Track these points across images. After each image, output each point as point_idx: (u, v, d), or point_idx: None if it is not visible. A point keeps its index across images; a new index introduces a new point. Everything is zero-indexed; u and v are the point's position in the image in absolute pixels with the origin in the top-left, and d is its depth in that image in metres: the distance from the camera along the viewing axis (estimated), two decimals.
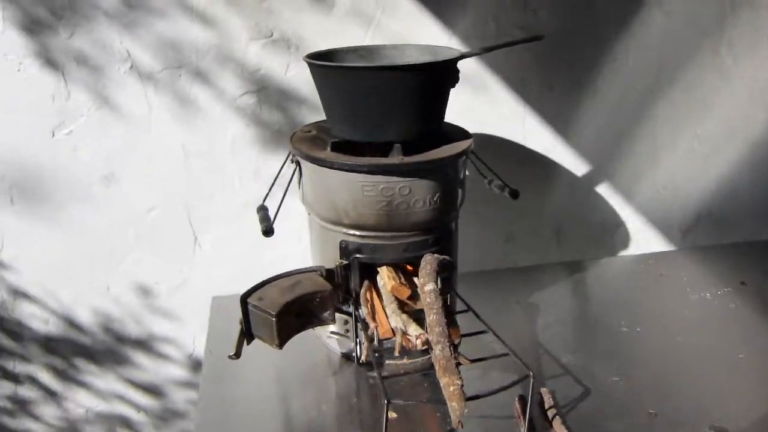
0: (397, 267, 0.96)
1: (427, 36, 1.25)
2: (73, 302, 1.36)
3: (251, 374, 1.00)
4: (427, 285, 0.83)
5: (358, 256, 0.94)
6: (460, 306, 0.99)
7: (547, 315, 1.21)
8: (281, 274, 0.93)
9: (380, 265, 0.95)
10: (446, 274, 0.92)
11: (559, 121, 1.40)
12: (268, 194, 1.02)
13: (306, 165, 0.95)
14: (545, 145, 1.41)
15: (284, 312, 0.84)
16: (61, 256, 1.31)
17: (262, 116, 1.27)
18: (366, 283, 0.95)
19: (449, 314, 0.87)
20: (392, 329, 0.85)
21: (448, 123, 1.06)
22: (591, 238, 1.52)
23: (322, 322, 0.92)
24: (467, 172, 1.01)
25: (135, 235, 1.31)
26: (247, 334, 0.86)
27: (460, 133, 1.02)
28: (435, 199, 0.91)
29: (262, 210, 0.94)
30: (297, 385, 0.99)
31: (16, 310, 1.34)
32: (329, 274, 0.94)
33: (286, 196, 0.98)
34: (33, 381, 1.42)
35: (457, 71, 0.95)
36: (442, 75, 0.92)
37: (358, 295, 0.94)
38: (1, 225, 1.27)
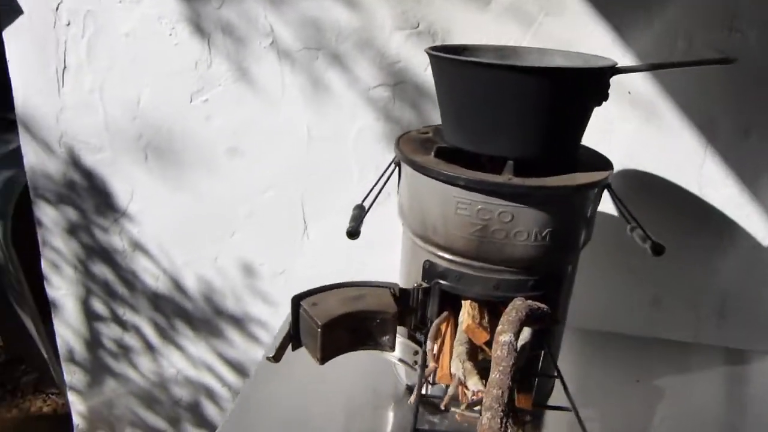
0: (486, 305, 0.80)
1: (595, 47, 1.06)
2: (183, 265, 1.38)
3: (301, 379, 0.91)
4: (503, 335, 0.66)
5: (440, 281, 0.80)
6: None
7: (671, 404, 0.96)
8: (351, 282, 0.82)
9: (466, 299, 0.80)
10: (539, 327, 0.75)
11: (749, 173, 1.12)
12: (369, 194, 0.92)
13: (404, 168, 0.83)
14: (724, 200, 1.14)
15: (333, 325, 0.73)
16: (179, 219, 1.34)
17: (394, 111, 1.17)
18: (445, 314, 0.81)
19: (526, 377, 0.69)
20: (450, 374, 0.70)
21: (588, 148, 0.88)
22: (763, 326, 1.21)
23: (380, 347, 0.79)
24: (593, 210, 0.82)
25: (248, 212, 1.30)
26: (294, 339, 0.76)
27: (598, 162, 0.83)
28: (544, 234, 0.74)
29: (358, 209, 0.84)
30: (345, 403, 0.88)
31: (133, 261, 1.40)
32: (403, 295, 0.81)
33: (388, 200, 0.88)
34: (137, 331, 1.47)
35: (607, 86, 0.76)
36: (583, 86, 0.74)
37: (431, 325, 0.80)
38: (134, 179, 1.32)
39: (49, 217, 1.42)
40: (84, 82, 1.26)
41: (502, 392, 0.60)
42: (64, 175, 1.36)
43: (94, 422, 1.64)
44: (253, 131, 1.23)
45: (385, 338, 0.78)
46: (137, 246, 1.39)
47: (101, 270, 1.44)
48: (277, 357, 0.76)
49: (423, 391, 0.80)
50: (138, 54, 1.21)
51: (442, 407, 0.69)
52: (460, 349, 0.73)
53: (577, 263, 0.85)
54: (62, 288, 1.49)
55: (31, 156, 1.36)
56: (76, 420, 1.65)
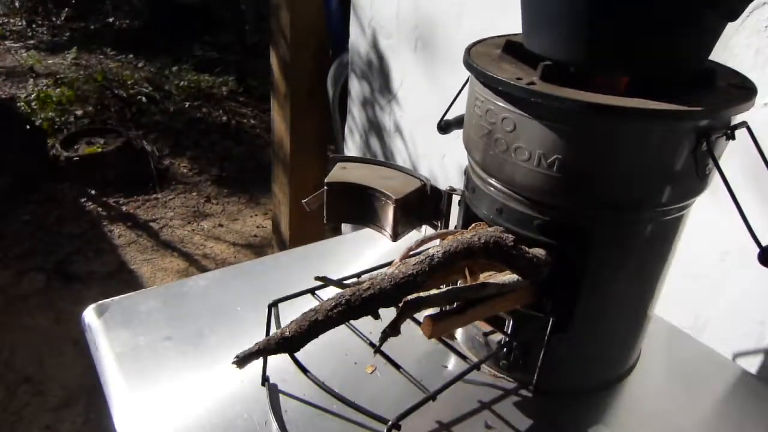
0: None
1: None
2: (421, 156, 1.48)
3: None
4: (436, 248, 0.57)
5: (461, 190, 0.70)
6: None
7: None
8: (395, 165, 0.79)
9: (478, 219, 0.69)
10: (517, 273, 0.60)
11: None
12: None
13: None
14: None
15: (340, 189, 0.74)
16: (427, 113, 1.43)
17: None
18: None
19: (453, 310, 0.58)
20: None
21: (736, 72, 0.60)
22: None
23: (382, 230, 0.76)
24: (675, 160, 0.57)
25: None
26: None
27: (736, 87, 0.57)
28: (551, 161, 0.57)
29: None
30: None
31: (393, 141, 1.57)
32: (433, 193, 0.75)
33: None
34: None
35: None
36: None
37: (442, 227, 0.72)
38: (405, 67, 1.46)
39: (354, 89, 1.70)
40: None
41: (377, 287, 0.54)
42: (366, 54, 1.59)
43: None
44: None
45: (387, 224, 0.74)
46: (397, 128, 1.55)
47: (375, 143, 1.67)
48: (310, 204, 0.80)
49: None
50: None
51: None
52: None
53: (626, 234, 0.61)
54: (352, 151, 1.78)
55: (354, 34, 1.63)
56: None
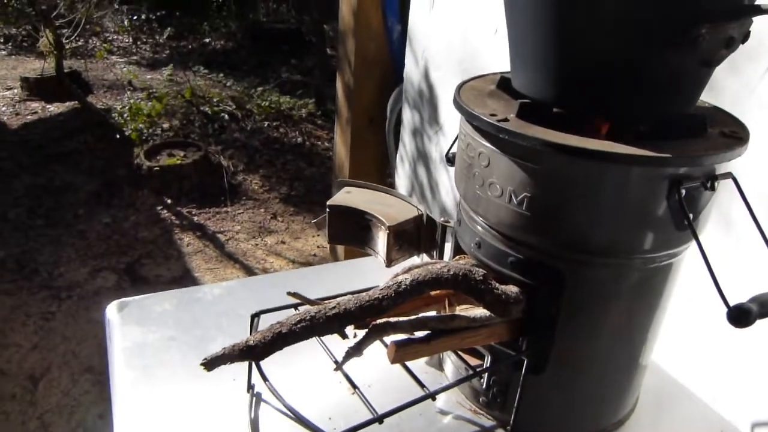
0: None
1: None
2: None
3: None
4: (404, 275, 0.59)
5: (448, 223, 0.72)
6: None
7: None
8: (398, 193, 0.81)
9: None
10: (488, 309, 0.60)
11: None
12: None
13: None
14: None
15: (340, 212, 0.78)
16: None
17: None
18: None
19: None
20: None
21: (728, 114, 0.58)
22: None
23: (377, 255, 0.78)
24: (654, 209, 0.56)
25: None
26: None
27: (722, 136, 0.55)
28: (520, 199, 0.57)
29: None
30: None
31: (438, 171, 1.59)
32: (429, 224, 0.76)
33: None
34: None
35: (747, 34, 0.50)
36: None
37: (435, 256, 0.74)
38: (450, 97, 1.48)
39: (407, 118, 1.74)
40: (444, 10, 1.46)
41: (343, 309, 0.56)
42: (418, 84, 1.63)
43: None
44: None
45: (381, 250, 0.77)
46: (443, 159, 1.57)
47: (422, 172, 1.69)
48: (319, 225, 0.84)
49: None
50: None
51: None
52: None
53: (603, 279, 0.60)
54: (402, 178, 1.82)
55: (408, 64, 1.68)
56: None
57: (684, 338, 0.85)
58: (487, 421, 0.73)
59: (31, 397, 2.03)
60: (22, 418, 1.95)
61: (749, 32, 0.51)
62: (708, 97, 0.68)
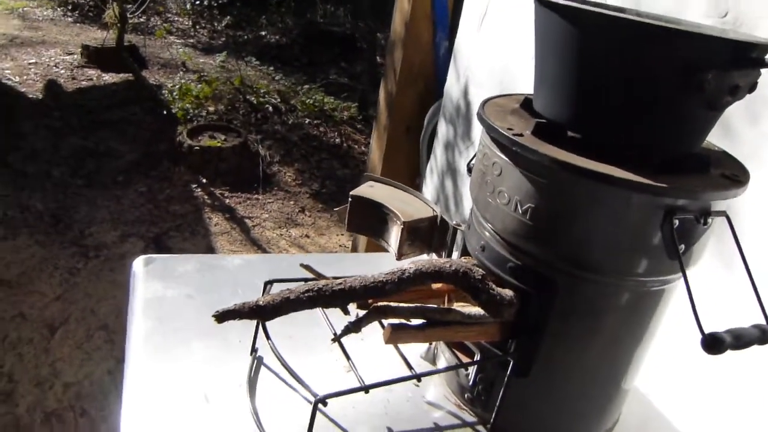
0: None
1: None
2: None
3: None
4: (410, 265, 0.64)
5: (459, 226, 0.77)
6: None
7: None
8: (412, 191, 0.87)
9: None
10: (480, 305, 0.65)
11: None
12: None
13: None
14: None
15: (361, 203, 0.83)
16: None
17: None
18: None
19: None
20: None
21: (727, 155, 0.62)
22: None
23: (390, 248, 0.83)
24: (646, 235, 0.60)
25: None
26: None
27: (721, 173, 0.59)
28: (525, 208, 0.62)
29: None
30: None
31: (463, 185, 1.63)
32: (442, 225, 0.81)
33: None
34: None
35: (753, 85, 0.54)
36: (691, 63, 0.55)
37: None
38: None
39: (441, 131, 1.79)
40: (490, 32, 1.52)
41: (349, 286, 0.62)
42: (457, 99, 1.68)
43: None
44: None
45: (394, 243, 0.82)
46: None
47: (449, 184, 1.74)
48: (340, 213, 0.89)
49: None
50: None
51: None
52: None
53: (592, 295, 0.64)
54: (429, 188, 1.87)
55: (450, 79, 1.73)
56: None
57: (672, 368, 0.88)
58: (470, 417, 0.77)
59: (46, 344, 2.13)
60: (36, 362, 2.04)
61: (756, 83, 0.55)
62: (726, 144, 0.72)
